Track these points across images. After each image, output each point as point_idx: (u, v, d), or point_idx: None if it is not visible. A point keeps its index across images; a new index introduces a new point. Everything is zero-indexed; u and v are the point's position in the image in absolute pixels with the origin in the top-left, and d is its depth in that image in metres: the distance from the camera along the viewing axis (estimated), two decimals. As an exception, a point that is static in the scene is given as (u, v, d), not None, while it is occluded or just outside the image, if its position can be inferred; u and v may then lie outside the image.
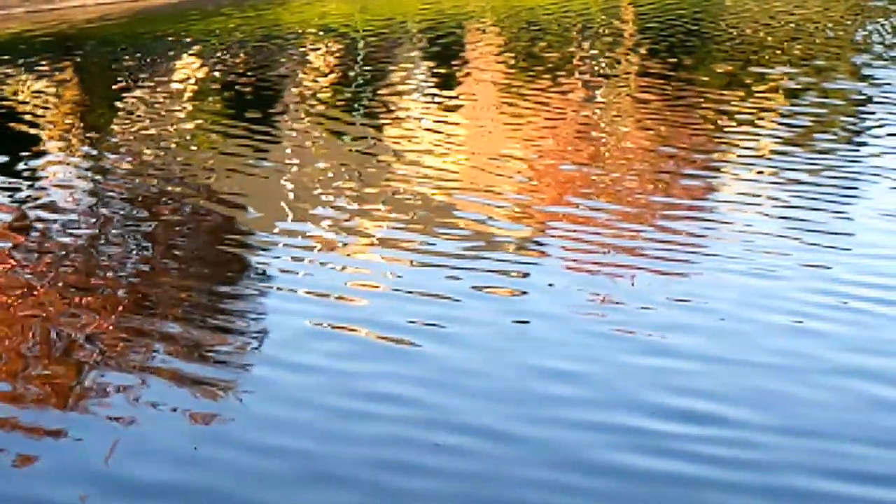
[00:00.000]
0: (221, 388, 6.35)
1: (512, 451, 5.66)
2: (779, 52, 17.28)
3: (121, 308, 7.55)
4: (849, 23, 19.85)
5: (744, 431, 5.79)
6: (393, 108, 14.15)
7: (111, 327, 7.22)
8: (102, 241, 9.16)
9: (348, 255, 8.63)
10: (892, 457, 5.57)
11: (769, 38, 18.56)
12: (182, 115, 14.06)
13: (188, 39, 19.72)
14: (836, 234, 8.80)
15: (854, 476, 5.41)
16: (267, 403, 6.19)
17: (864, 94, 13.98)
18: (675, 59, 16.81)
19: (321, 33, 20.35)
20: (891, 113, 12.83)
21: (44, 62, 17.55)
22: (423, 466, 5.55)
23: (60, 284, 8.06)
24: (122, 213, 9.92)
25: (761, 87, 14.58)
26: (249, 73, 16.58)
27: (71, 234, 9.29)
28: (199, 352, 6.84)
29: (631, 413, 5.99)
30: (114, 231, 9.41)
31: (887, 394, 6.18)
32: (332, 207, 9.77)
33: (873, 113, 13.01)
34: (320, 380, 6.46)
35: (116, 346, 6.93)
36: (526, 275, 8.03)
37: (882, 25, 19.38)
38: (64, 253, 8.82)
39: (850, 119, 12.84)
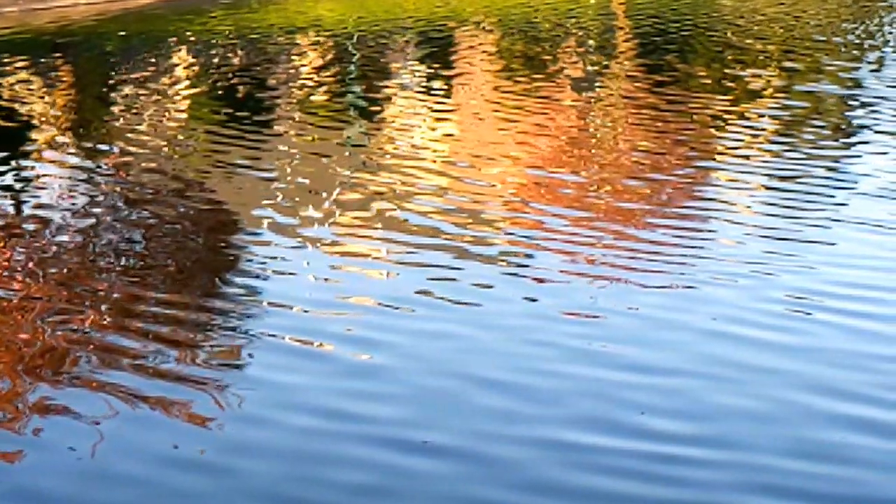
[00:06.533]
0: (183, 403, 6.35)
1: (459, 468, 5.68)
2: (768, 54, 17.28)
3: (103, 311, 7.58)
4: (839, 21, 19.87)
5: (688, 447, 5.80)
6: (385, 109, 14.18)
7: (96, 329, 7.26)
8: (92, 242, 9.18)
9: (326, 264, 8.60)
10: (829, 473, 5.60)
11: (760, 40, 18.56)
12: (174, 115, 14.08)
13: (181, 39, 19.73)
14: (812, 242, 8.79)
15: (795, 494, 5.45)
16: (231, 420, 6.19)
17: (854, 98, 14.00)
18: (665, 62, 16.79)
19: (315, 34, 20.35)
20: (877, 119, 12.83)
21: (36, 61, 17.55)
22: (371, 483, 5.58)
23: (47, 286, 8.09)
24: (111, 213, 9.94)
25: (749, 90, 14.61)
26: (242, 74, 16.60)
27: (60, 235, 9.31)
28: (169, 363, 6.85)
29: (574, 428, 6.00)
30: (103, 232, 9.43)
31: (836, 409, 6.19)
32: (318, 213, 9.76)
33: (861, 117, 13.02)
34: (280, 395, 6.46)
35: (96, 350, 6.96)
36: (490, 286, 8.01)
37: (872, 26, 19.39)
38: (53, 254, 8.85)
39: (837, 123, 12.85)
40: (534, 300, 7.75)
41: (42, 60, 17.62)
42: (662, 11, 21.68)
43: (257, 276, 8.37)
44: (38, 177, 11.32)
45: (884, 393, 6.34)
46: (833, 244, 8.75)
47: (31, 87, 15.85)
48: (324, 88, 15.63)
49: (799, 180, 10.41)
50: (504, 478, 5.57)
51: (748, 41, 18.57)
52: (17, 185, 10.99)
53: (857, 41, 18.17)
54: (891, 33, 18.90)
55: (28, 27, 20.98)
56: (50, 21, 21.47)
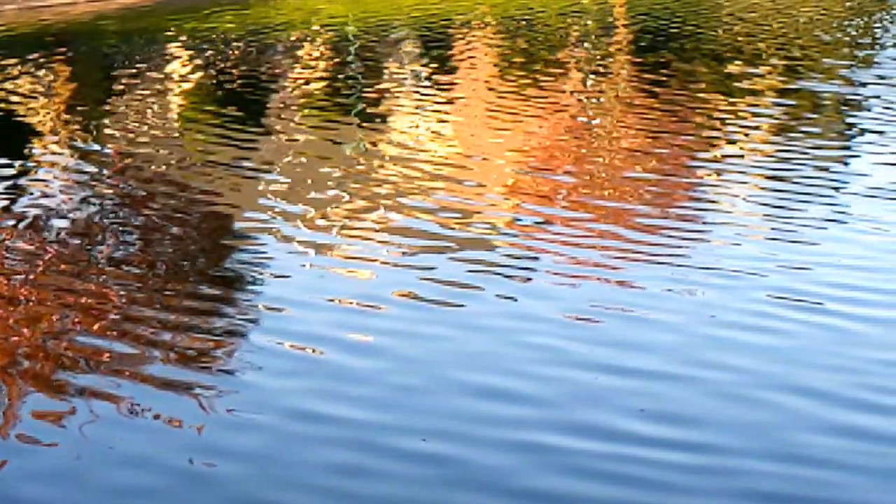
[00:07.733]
0: (168, 407, 6.34)
1: (442, 472, 5.67)
2: (762, 52, 17.27)
3: (89, 313, 7.57)
4: (832, 19, 19.88)
5: (673, 452, 5.78)
6: (380, 108, 14.18)
7: (80, 332, 7.27)
8: (89, 242, 9.19)
9: (316, 265, 8.60)
10: (816, 477, 5.58)
11: (754, 38, 18.55)
12: (172, 113, 14.09)
13: (180, 37, 19.74)
14: (806, 242, 8.76)
15: (782, 499, 5.44)
16: (215, 423, 6.18)
17: (847, 97, 13.98)
18: (661, 61, 16.78)
19: (313, 32, 20.34)
20: (871, 118, 12.81)
21: (34, 60, 17.54)
22: (353, 487, 5.57)
23: (35, 286, 8.10)
24: (103, 214, 9.95)
25: (743, 89, 14.61)
26: (240, 72, 16.60)
27: (51, 236, 9.32)
28: (154, 366, 6.84)
29: (560, 432, 5.97)
30: (94, 233, 9.44)
31: (826, 413, 6.18)
32: (311, 213, 9.75)
33: (855, 116, 13.01)
34: (269, 397, 6.46)
35: (82, 353, 6.96)
36: (482, 287, 7.99)
37: (864, 24, 19.39)
38: (43, 254, 8.86)
39: (831, 122, 12.84)
40: (525, 301, 7.73)
41: (39, 59, 17.60)
42: (657, 10, 21.65)
43: (249, 278, 8.38)
44: (31, 176, 11.32)
45: (872, 396, 6.32)
46: (828, 244, 8.72)
47: (28, 85, 15.84)
48: (320, 87, 15.62)
49: (793, 180, 10.39)
50: (487, 482, 5.55)
51: (741, 38, 18.56)
52: (10, 185, 10.97)
53: (850, 39, 18.15)
54: (882, 30, 18.88)
55: (26, 25, 20.98)
56: (48, 19, 21.48)
